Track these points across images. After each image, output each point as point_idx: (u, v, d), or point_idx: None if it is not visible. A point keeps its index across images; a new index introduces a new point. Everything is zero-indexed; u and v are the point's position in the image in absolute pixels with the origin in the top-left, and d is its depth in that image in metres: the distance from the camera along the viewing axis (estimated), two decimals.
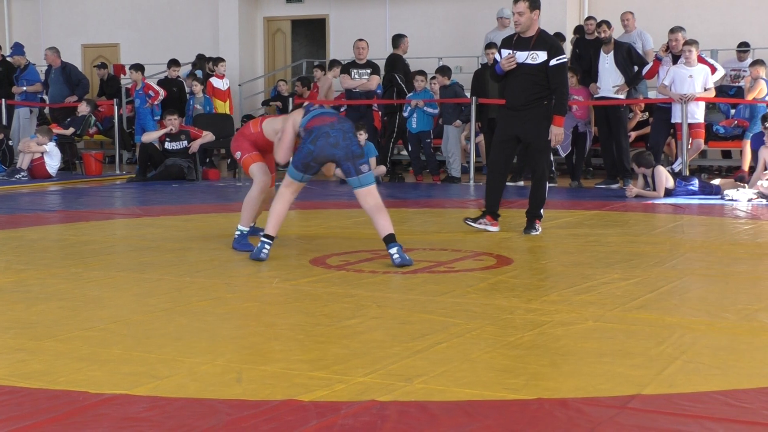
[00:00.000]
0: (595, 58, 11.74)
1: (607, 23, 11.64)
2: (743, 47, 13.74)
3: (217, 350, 3.90)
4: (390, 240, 6.00)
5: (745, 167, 11.70)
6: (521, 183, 12.18)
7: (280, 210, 6.23)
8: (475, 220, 7.60)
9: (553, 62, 7.23)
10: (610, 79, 11.53)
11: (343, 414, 3.06)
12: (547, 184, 7.58)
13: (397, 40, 13.25)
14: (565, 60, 7.35)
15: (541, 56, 7.24)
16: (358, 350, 3.87)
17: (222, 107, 14.73)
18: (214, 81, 14.66)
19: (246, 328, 4.41)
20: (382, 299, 4.96)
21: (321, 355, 3.81)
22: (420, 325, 4.34)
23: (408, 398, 3.23)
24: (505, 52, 7.40)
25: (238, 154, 6.76)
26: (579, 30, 13.58)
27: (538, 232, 7.41)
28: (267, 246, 6.07)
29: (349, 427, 2.96)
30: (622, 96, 11.57)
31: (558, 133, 7.27)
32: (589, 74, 11.90)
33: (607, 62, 11.54)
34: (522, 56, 7.30)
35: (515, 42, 7.40)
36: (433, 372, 3.54)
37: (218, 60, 15.09)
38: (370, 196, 6.17)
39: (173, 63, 15.10)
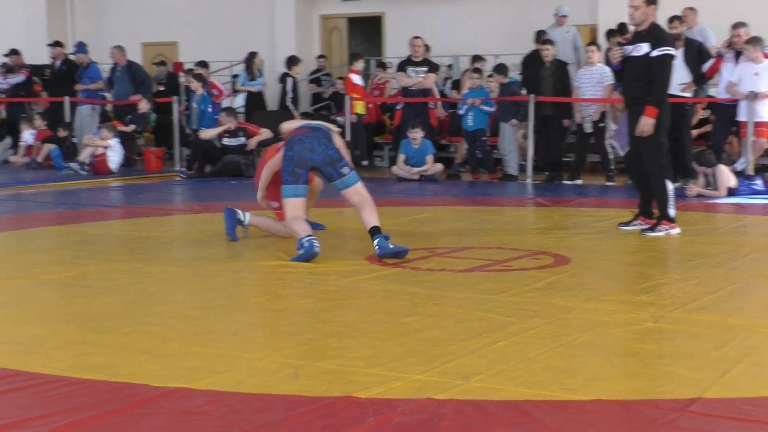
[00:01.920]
0: None
1: (679, 18, 11.47)
2: None
3: (275, 346, 3.93)
4: (374, 232, 6.21)
5: None
6: (579, 181, 12.09)
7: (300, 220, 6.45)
8: (628, 223, 7.49)
9: (654, 53, 7.09)
10: (677, 77, 11.35)
11: (400, 411, 3.06)
12: (669, 183, 7.23)
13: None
14: (668, 52, 7.12)
15: (644, 48, 7.13)
16: (415, 348, 3.87)
17: (359, 106, 14.09)
18: (353, 77, 14.14)
19: (303, 324, 4.43)
20: (439, 297, 4.94)
21: (378, 352, 3.82)
22: (477, 324, 4.32)
23: (464, 397, 3.21)
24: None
25: (274, 204, 6.95)
26: (622, 27, 13.45)
27: (660, 234, 7.15)
28: (314, 240, 6.10)
29: (405, 424, 2.95)
30: (688, 94, 11.40)
31: (646, 124, 7.09)
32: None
33: (676, 59, 11.36)
34: (629, 49, 7.26)
35: (633, 36, 7.38)
36: (490, 371, 3.52)
37: (356, 56, 14.77)
38: (356, 194, 6.45)
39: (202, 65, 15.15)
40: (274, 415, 3.03)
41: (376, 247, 6.13)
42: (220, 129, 13.24)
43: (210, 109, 13.71)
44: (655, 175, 7.25)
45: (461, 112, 13.05)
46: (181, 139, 14.65)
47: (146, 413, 3.06)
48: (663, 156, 7.25)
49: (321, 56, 17.93)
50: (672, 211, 7.23)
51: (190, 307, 4.73)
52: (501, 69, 13.02)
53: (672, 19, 11.49)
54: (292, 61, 14.59)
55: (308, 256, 5.99)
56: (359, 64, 14.28)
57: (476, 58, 14.30)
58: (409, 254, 6.24)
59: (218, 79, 15.72)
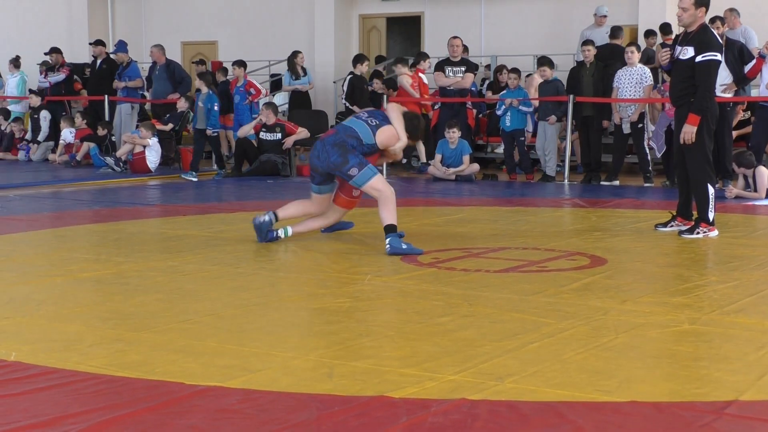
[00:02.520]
0: None
1: (721, 19, 11.37)
2: None
3: (309, 345, 3.94)
4: (388, 230, 6.33)
5: None
6: (616, 182, 12.01)
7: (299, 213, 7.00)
8: (665, 224, 7.47)
9: (699, 58, 7.03)
10: (719, 78, 11.24)
11: (433, 411, 3.06)
12: (710, 187, 7.15)
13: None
14: (714, 58, 7.06)
15: (689, 51, 7.08)
16: (449, 348, 3.87)
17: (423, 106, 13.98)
18: (422, 77, 13.88)
19: (337, 323, 4.44)
20: (474, 297, 4.94)
21: (412, 352, 3.82)
22: (511, 324, 4.31)
23: (499, 397, 3.21)
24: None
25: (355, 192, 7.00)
26: (665, 28, 13.36)
27: (698, 236, 7.09)
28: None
29: (439, 424, 2.95)
30: (729, 95, 11.29)
31: (688, 131, 7.04)
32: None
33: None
34: (677, 51, 7.22)
35: (681, 37, 7.32)
36: (525, 372, 3.51)
37: (423, 55, 14.38)
38: (372, 190, 6.55)
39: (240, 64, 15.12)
40: (308, 414, 3.04)
41: (387, 245, 6.24)
42: (254, 122, 13.30)
43: (245, 104, 13.82)
44: (697, 180, 7.19)
45: (499, 112, 13.02)
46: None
47: (181, 411, 3.09)
48: (707, 161, 7.18)
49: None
50: (711, 214, 7.17)
51: (226, 306, 4.76)
52: (548, 63, 12.79)
53: (713, 20, 11.37)
54: (358, 59, 14.45)
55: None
56: (426, 64, 14.10)
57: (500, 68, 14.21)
58: (443, 254, 6.24)
59: (257, 79, 15.78)
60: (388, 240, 6.27)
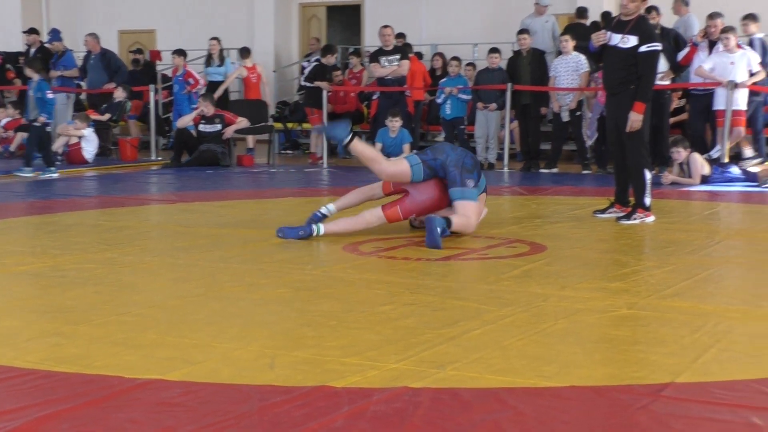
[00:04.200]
0: None
1: (656, 9, 11.54)
2: None
3: (250, 336, 3.92)
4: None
5: None
6: (555, 170, 12.13)
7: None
8: (603, 211, 7.55)
9: (643, 48, 7.15)
10: None
11: (375, 400, 3.06)
12: (647, 172, 7.30)
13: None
14: (657, 48, 7.22)
15: (632, 41, 7.18)
16: (391, 336, 3.87)
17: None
18: None
19: (279, 314, 4.42)
20: (415, 286, 4.95)
21: (353, 341, 3.82)
22: (453, 312, 4.34)
23: (440, 385, 3.22)
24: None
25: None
26: (606, 16, 13.52)
27: (635, 222, 7.23)
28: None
29: (381, 413, 2.96)
30: (666, 82, 11.45)
31: (635, 119, 7.16)
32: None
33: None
34: (615, 39, 7.28)
35: (615, 24, 7.40)
36: (466, 359, 3.53)
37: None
38: (463, 211, 6.42)
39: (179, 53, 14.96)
40: (250, 406, 3.02)
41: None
42: (194, 114, 13.17)
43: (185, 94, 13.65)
44: (635, 164, 7.29)
45: (439, 100, 13.06)
46: (157, 128, 14.60)
47: (120, 405, 3.05)
48: (645, 147, 7.30)
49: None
50: (648, 200, 7.28)
51: (166, 298, 4.72)
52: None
53: (650, 10, 11.53)
54: (327, 50, 14.36)
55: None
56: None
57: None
58: (384, 243, 6.25)
59: (196, 68, 15.63)
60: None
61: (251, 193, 9.91)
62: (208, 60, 15.21)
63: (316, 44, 17.17)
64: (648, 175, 7.30)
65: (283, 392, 3.14)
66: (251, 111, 14.11)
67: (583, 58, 11.92)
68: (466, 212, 6.35)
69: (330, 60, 14.05)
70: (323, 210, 6.66)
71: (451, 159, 6.38)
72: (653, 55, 7.20)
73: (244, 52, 15.36)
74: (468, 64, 14.42)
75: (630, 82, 7.21)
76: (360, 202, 6.78)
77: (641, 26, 7.22)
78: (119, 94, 14.30)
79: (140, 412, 2.98)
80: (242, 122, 13.21)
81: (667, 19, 12.56)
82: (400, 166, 6.47)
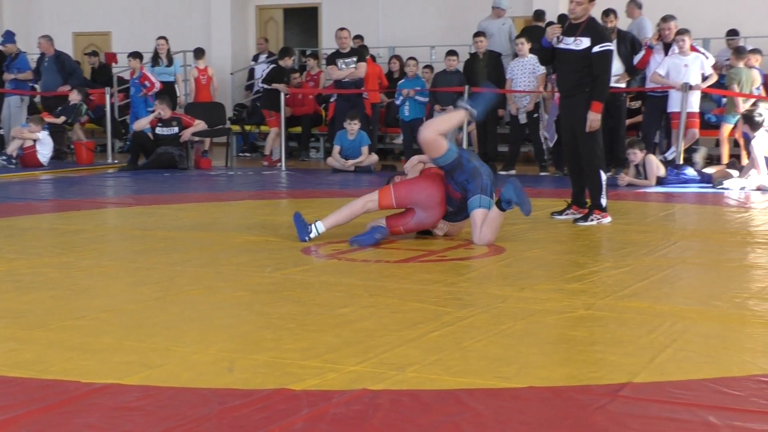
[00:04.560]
0: None
1: (614, 12, 11.67)
2: (732, 35, 13.79)
3: (209, 339, 3.90)
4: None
5: (725, 155, 11.86)
6: (513, 172, 12.19)
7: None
8: (561, 212, 7.61)
9: (595, 49, 7.22)
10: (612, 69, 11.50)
11: (335, 403, 3.06)
12: (602, 173, 7.39)
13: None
14: (609, 48, 7.29)
15: (584, 42, 7.25)
16: (350, 339, 3.87)
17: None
18: None
19: (237, 317, 4.40)
20: (375, 288, 4.96)
21: (313, 344, 3.81)
22: (412, 314, 4.34)
23: (400, 387, 3.23)
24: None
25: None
26: (562, 18, 13.65)
27: (592, 223, 7.30)
28: None
29: (340, 415, 2.96)
30: (622, 85, 11.57)
31: (593, 119, 7.23)
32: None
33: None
34: (568, 42, 7.35)
35: (566, 28, 7.47)
36: (425, 361, 3.54)
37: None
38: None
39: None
40: (208, 409, 3.01)
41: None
42: (151, 116, 13.08)
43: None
44: (590, 166, 7.36)
45: (398, 102, 13.08)
46: (113, 131, 14.47)
47: (78, 410, 3.02)
48: (600, 148, 7.37)
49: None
50: (604, 201, 7.35)
51: (123, 302, 4.68)
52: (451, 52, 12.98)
53: (608, 13, 11.66)
54: (285, 52, 14.31)
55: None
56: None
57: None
58: (343, 245, 6.24)
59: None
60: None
61: (209, 196, 9.86)
62: (155, 59, 15.06)
63: (264, 45, 17.05)
64: (603, 176, 7.38)
65: (242, 395, 3.13)
66: (209, 113, 14.04)
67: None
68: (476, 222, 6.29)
69: (287, 62, 14.03)
70: (312, 234, 6.39)
71: (485, 170, 6.35)
72: (606, 55, 7.27)
73: (198, 53, 15.28)
74: (425, 67, 14.47)
75: (585, 84, 7.29)
76: (353, 219, 6.54)
77: (592, 28, 7.31)
78: (74, 97, 14.16)
79: (98, 417, 2.95)
80: (199, 125, 13.14)
81: (621, 22, 12.68)
82: (442, 142, 6.33)
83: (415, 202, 6.37)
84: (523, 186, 6.22)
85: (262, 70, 15.90)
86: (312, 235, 6.37)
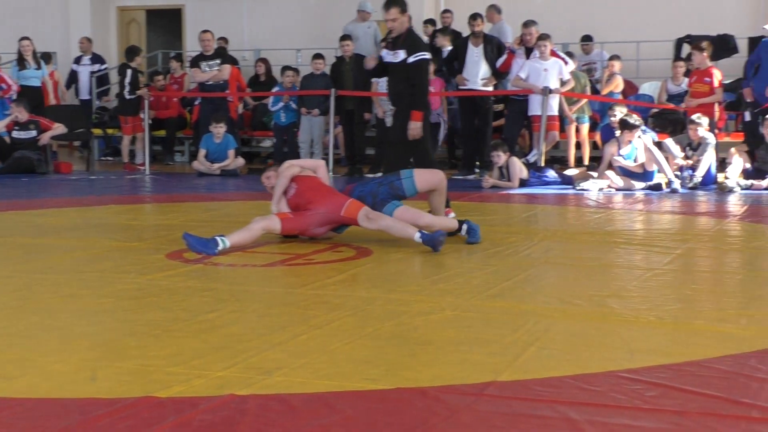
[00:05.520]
0: (462, 51, 11.94)
1: (481, 17, 11.91)
2: (586, 40, 14.30)
3: (71, 348, 3.79)
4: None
5: (585, 158, 12.29)
6: (379, 175, 12.25)
7: None
8: None
9: (410, 59, 7.40)
10: (480, 72, 11.76)
11: (202, 409, 3.02)
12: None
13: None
14: (423, 57, 7.43)
15: (401, 54, 7.43)
16: (217, 344, 3.83)
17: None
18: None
19: (101, 324, 4.30)
20: (241, 292, 4.91)
21: (179, 350, 3.75)
22: (279, 318, 4.32)
23: (268, 391, 3.21)
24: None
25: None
26: (431, 22, 13.91)
27: None
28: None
29: (207, 422, 2.92)
30: (489, 88, 11.81)
31: (414, 128, 7.38)
32: (453, 66, 12.13)
33: (475, 55, 11.78)
34: (388, 55, 7.52)
35: (389, 41, 7.64)
36: (293, 364, 3.53)
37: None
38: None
39: None
40: (70, 420, 2.93)
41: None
42: (8, 119, 12.65)
43: None
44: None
45: (274, 108, 13.06)
46: None
47: None
48: (429, 154, 7.58)
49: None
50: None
51: None
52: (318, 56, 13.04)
53: (475, 17, 11.88)
54: (132, 51, 13.99)
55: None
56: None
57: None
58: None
59: (7, 72, 14.96)
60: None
61: (70, 200, 9.59)
62: (21, 62, 14.48)
63: (87, 45, 16.24)
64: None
65: (106, 404, 3.06)
66: (69, 117, 13.66)
67: None
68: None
69: (138, 61, 13.84)
70: (219, 246, 6.05)
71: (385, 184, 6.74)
72: (421, 65, 7.47)
73: (47, 57, 14.82)
74: (287, 68, 14.46)
75: (406, 94, 7.47)
76: (255, 240, 6.33)
77: (408, 39, 7.53)
78: None
79: None
80: (59, 128, 12.78)
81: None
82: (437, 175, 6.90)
83: (313, 222, 6.50)
84: None
85: (89, 72, 15.55)
86: (219, 248, 6.01)
